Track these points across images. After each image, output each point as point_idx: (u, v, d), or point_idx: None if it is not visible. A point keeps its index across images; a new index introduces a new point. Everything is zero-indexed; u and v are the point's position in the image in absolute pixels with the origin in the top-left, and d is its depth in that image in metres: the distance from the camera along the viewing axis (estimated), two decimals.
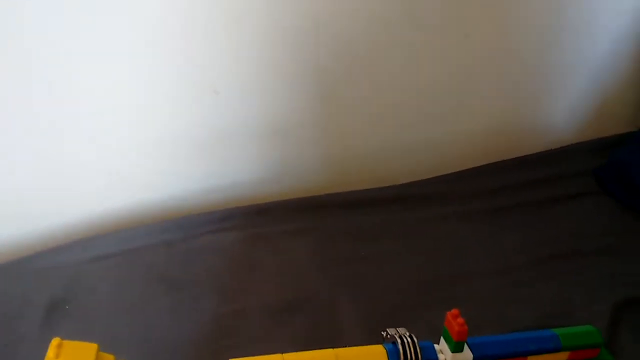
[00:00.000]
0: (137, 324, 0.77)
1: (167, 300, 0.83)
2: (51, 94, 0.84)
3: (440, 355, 0.47)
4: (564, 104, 1.19)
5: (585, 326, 0.51)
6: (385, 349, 0.46)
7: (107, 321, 0.77)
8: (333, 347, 0.47)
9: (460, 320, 0.46)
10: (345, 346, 0.48)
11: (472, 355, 0.47)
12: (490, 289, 0.83)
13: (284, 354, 0.45)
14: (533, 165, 1.11)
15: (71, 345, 0.40)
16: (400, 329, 0.48)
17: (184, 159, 1.00)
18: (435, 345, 0.48)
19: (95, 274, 0.88)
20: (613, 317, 0.74)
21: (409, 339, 0.46)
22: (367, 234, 0.97)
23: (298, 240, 0.95)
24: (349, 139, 1.08)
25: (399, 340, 0.46)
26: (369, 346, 0.47)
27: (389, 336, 0.47)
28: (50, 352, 0.39)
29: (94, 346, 0.40)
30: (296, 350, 0.47)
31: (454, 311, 0.46)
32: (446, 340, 0.47)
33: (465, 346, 0.47)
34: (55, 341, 0.40)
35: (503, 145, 1.16)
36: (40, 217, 0.95)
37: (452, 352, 0.46)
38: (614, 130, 1.17)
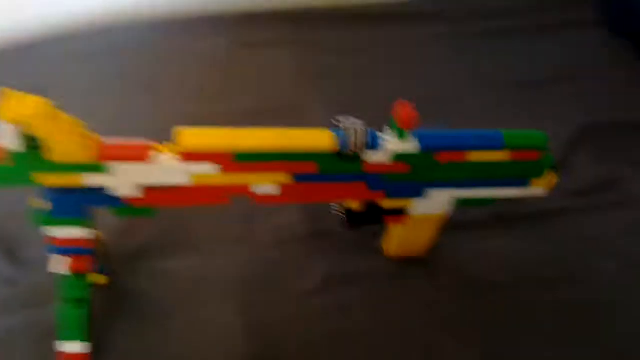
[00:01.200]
0: (114, 122, 0.76)
1: (145, 99, 0.82)
2: None
3: (385, 143, 0.48)
4: None
5: (533, 130, 0.52)
6: (333, 132, 0.47)
7: (83, 115, 0.77)
8: None
9: (408, 108, 0.46)
10: None
11: (415, 145, 0.48)
12: (464, 109, 0.83)
13: (234, 129, 0.45)
14: None
15: (22, 96, 0.40)
16: (351, 117, 0.48)
17: None
18: (382, 134, 0.49)
19: (73, 70, 0.86)
20: (576, 138, 0.78)
21: (357, 124, 0.47)
22: (352, 48, 0.95)
23: (282, 51, 0.93)
24: None
25: (348, 125, 0.47)
26: (318, 129, 0.48)
27: (339, 122, 0.48)
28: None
29: (42, 99, 0.40)
30: None
31: (405, 102, 0.47)
32: (393, 129, 0.48)
33: (410, 136, 0.48)
34: (4, 90, 0.40)
35: None
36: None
37: (398, 139, 0.48)
38: None
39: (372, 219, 0.57)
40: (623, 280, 0.62)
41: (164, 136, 0.47)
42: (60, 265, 0.50)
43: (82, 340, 0.50)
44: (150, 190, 0.47)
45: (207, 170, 0.46)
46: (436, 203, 0.55)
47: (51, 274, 0.57)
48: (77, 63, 0.87)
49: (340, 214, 0.64)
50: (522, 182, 0.54)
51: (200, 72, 0.88)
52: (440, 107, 0.82)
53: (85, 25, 0.93)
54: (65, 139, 0.42)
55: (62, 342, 0.50)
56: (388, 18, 1.00)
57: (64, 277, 0.50)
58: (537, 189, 0.55)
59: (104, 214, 0.51)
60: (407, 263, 0.62)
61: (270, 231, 0.64)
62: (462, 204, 0.55)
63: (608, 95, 0.87)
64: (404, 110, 0.46)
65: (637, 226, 0.68)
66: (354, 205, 0.58)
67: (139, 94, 0.83)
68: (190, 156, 0.45)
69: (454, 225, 0.64)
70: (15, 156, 0.42)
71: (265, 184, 0.49)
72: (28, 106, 0.40)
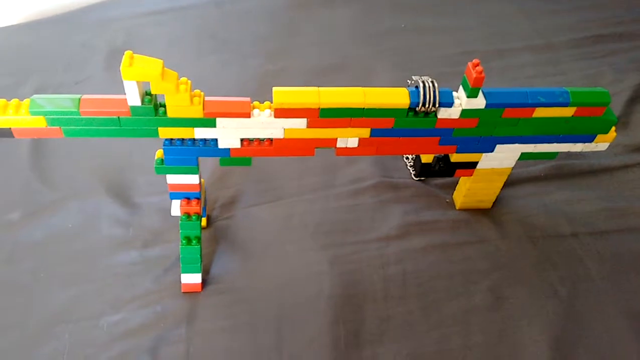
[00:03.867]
0: (188, 75, 0.85)
1: (217, 56, 0.90)
2: None
3: (456, 100, 0.53)
4: None
5: (596, 87, 0.55)
6: (408, 90, 0.52)
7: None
8: None
9: (479, 68, 0.50)
10: None
11: (485, 102, 0.53)
12: (524, 64, 0.86)
13: (319, 88, 0.51)
14: None
15: (141, 58, 0.47)
16: (424, 76, 0.53)
17: None
18: (454, 92, 0.53)
19: (150, 28, 0.95)
20: (635, 95, 0.79)
21: (430, 84, 0.52)
22: (408, 6, 0.98)
23: (341, 10, 0.98)
24: None
25: (421, 84, 0.52)
26: (394, 88, 0.53)
27: (412, 82, 0.53)
28: (125, 61, 0.46)
29: (159, 61, 0.47)
30: None
31: (475, 61, 0.51)
32: (464, 88, 0.53)
33: (480, 93, 0.52)
34: (128, 53, 0.46)
35: None
36: None
37: (468, 97, 0.52)
38: None
39: (443, 172, 0.62)
40: None
41: (238, 92, 0.53)
42: (179, 208, 0.58)
43: (197, 272, 0.59)
44: (248, 142, 0.54)
45: (296, 125, 0.53)
46: (503, 157, 0.59)
47: (158, 216, 0.66)
48: (150, 21, 0.96)
49: (412, 166, 0.70)
50: (588, 137, 0.57)
51: (264, 31, 0.95)
52: (501, 61, 0.85)
53: None
54: (180, 97, 0.49)
55: (183, 274, 0.59)
56: None
57: (181, 218, 0.58)
58: (600, 144, 0.58)
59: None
60: (475, 214, 0.67)
61: (347, 183, 0.70)
62: (526, 157, 0.59)
63: None
64: (474, 70, 0.50)
65: None
66: (426, 158, 0.64)
67: (212, 52, 0.90)
68: (282, 112, 0.51)
69: (518, 179, 0.68)
70: (136, 110, 0.49)
71: (345, 138, 0.55)
72: (149, 67, 0.46)
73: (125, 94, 0.48)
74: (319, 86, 0.51)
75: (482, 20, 0.96)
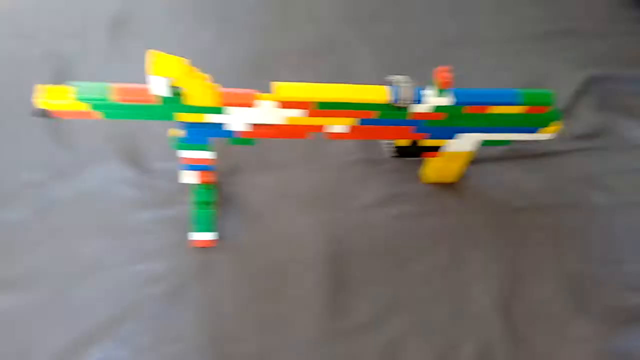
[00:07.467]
0: (184, 50, 0.92)
1: (213, 32, 0.97)
2: None
3: (426, 98, 0.63)
4: None
5: (543, 90, 0.66)
6: (386, 88, 0.63)
7: (164, 42, 0.92)
8: None
9: (447, 75, 0.60)
10: None
11: (450, 100, 0.63)
12: (491, 54, 0.96)
13: (317, 85, 0.61)
14: None
15: (166, 56, 0.54)
16: (401, 75, 0.63)
17: None
18: (425, 90, 0.64)
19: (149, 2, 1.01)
20: (580, 89, 0.91)
21: (405, 83, 0.62)
22: None
23: None
24: None
25: (397, 84, 0.62)
26: (378, 85, 0.63)
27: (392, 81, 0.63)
28: (153, 60, 0.53)
29: (184, 60, 0.56)
30: None
31: (443, 68, 0.61)
32: (434, 87, 0.63)
33: (447, 92, 0.63)
34: (156, 53, 0.54)
35: None
36: None
37: (436, 96, 0.63)
38: None
39: (416, 153, 0.74)
40: (609, 212, 0.78)
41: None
42: (190, 177, 0.68)
43: (211, 231, 0.71)
44: (254, 126, 0.65)
45: (296, 114, 0.63)
46: (465, 143, 0.71)
47: (171, 181, 0.76)
48: None
49: (391, 148, 0.81)
50: (532, 129, 0.69)
51: (258, 6, 1.02)
52: (468, 51, 0.95)
53: None
54: (200, 89, 0.58)
55: (196, 233, 0.70)
56: None
57: (195, 186, 0.68)
58: (543, 135, 0.70)
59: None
60: (441, 187, 0.79)
61: (331, 156, 0.81)
62: (485, 143, 0.71)
63: (608, 50, 0.98)
64: (442, 74, 0.61)
65: (628, 167, 0.83)
66: (403, 142, 0.75)
67: (207, 28, 0.97)
68: (286, 104, 0.62)
69: (480, 159, 0.80)
70: (163, 100, 0.59)
71: (338, 125, 0.65)
72: (174, 65, 0.55)
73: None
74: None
75: (457, 6, 1.05)
